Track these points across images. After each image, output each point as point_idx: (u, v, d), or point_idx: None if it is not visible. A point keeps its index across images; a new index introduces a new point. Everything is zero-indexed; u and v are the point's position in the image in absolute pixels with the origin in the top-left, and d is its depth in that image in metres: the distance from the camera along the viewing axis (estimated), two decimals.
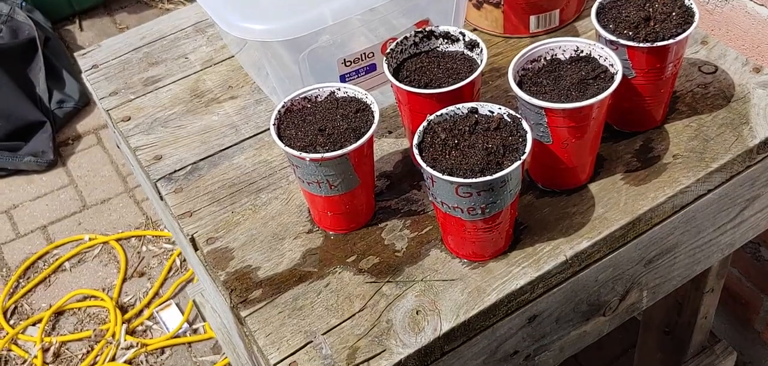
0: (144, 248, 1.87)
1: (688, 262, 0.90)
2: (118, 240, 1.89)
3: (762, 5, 0.99)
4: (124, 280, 1.81)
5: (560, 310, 0.80)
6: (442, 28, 0.83)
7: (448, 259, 0.78)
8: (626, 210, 0.79)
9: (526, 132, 0.72)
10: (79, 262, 1.86)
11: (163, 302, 1.75)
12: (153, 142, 0.96)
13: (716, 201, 0.85)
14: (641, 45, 0.76)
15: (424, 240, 0.80)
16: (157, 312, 1.72)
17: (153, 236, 1.89)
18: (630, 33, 0.78)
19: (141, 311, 1.74)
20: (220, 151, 0.93)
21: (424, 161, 0.71)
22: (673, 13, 0.79)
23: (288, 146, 0.74)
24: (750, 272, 1.24)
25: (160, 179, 0.91)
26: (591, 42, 0.79)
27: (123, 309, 1.74)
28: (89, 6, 2.58)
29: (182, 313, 1.71)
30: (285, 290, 0.77)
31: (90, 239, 1.90)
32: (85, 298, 1.78)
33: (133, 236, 1.90)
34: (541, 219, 0.80)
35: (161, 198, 0.91)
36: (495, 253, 0.77)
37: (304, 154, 0.73)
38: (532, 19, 0.99)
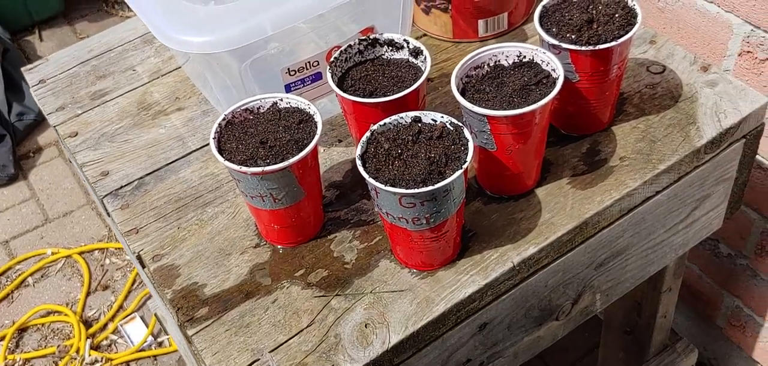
0: (107, 261, 1.85)
1: (640, 263, 0.89)
2: (81, 253, 1.86)
3: (712, 2, 0.99)
4: (88, 293, 1.78)
5: (511, 316, 0.80)
6: (387, 36, 0.82)
7: (398, 269, 0.77)
8: (573, 214, 0.78)
9: (467, 140, 0.71)
10: (42, 276, 1.83)
11: (128, 315, 1.72)
12: (100, 158, 0.94)
13: (666, 202, 0.85)
14: (584, 48, 0.76)
15: (374, 251, 0.79)
16: (121, 326, 1.70)
17: (116, 249, 1.87)
18: (573, 36, 0.78)
19: (105, 325, 1.71)
20: (167, 164, 0.91)
21: (368, 172, 0.70)
22: (616, 15, 0.79)
23: (229, 160, 0.73)
24: (709, 269, 1.25)
25: (106, 196, 0.90)
26: (533, 47, 0.78)
27: (87, 323, 1.72)
28: (49, 16, 2.54)
29: (147, 326, 1.69)
30: (232, 307, 0.76)
31: (53, 253, 1.87)
32: (48, 314, 1.75)
33: (96, 249, 1.87)
34: (488, 226, 0.79)
35: (108, 214, 0.90)
36: (444, 262, 0.76)
37: (244, 168, 0.71)
38: (481, 23, 0.98)
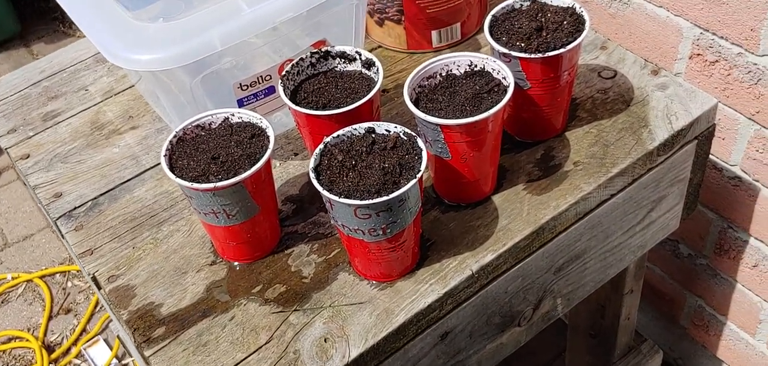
0: (69, 284, 1.82)
1: (599, 266, 0.90)
2: (42, 277, 1.83)
3: (661, 7, 1.01)
4: (50, 318, 1.75)
5: (473, 324, 0.80)
6: (339, 48, 0.82)
7: (356, 281, 0.76)
8: (529, 220, 0.79)
9: (421, 150, 0.71)
10: (2, 302, 1.79)
11: (91, 339, 1.69)
12: (53, 179, 0.92)
13: (621, 205, 0.85)
14: (533, 56, 0.76)
15: (332, 263, 0.78)
16: (84, 349, 1.67)
17: (78, 271, 1.84)
18: (522, 44, 0.78)
19: (68, 349, 1.68)
20: (121, 184, 0.90)
21: (322, 185, 0.70)
22: (565, 22, 0.79)
23: (180, 177, 0.72)
24: (671, 270, 1.26)
25: (60, 217, 0.88)
26: (484, 56, 0.78)
27: (49, 348, 1.68)
28: (4, 38, 2.50)
29: (110, 348, 1.66)
30: (189, 326, 0.75)
31: (13, 278, 1.83)
32: (9, 340, 1.71)
33: (57, 272, 1.84)
34: (447, 234, 0.79)
35: (62, 236, 0.88)
36: (403, 272, 0.76)
37: (196, 185, 0.71)
38: (434, 34, 0.98)
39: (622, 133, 0.86)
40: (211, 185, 0.70)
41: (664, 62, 1.05)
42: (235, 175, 0.71)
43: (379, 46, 1.04)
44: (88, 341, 1.68)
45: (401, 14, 0.98)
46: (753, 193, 1.03)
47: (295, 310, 0.75)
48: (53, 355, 1.66)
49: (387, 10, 0.98)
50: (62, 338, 1.70)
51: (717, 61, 0.98)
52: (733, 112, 0.99)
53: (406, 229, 0.72)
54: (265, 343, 0.72)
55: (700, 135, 0.89)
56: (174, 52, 0.72)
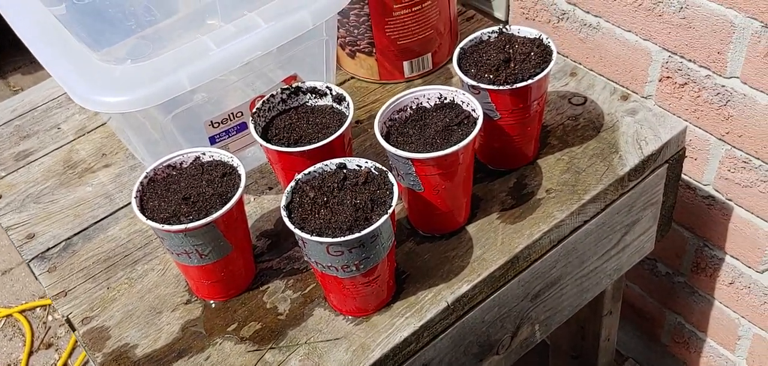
0: (50, 317, 1.80)
1: (576, 291, 0.90)
2: (22, 311, 1.80)
3: (630, 31, 1.02)
4: (31, 353, 1.73)
5: (450, 355, 0.79)
6: (309, 84, 0.82)
7: (332, 317, 0.76)
8: (504, 249, 0.79)
9: (392, 184, 0.71)
10: None
11: None
12: (25, 220, 0.92)
13: (595, 231, 0.86)
14: (502, 87, 0.77)
15: (308, 299, 0.78)
16: None
17: None
18: (491, 76, 0.78)
19: None
20: (94, 223, 0.90)
21: (293, 223, 0.70)
22: (532, 53, 0.80)
23: (151, 218, 0.71)
24: (650, 288, 1.27)
25: (33, 259, 0.87)
26: (453, 89, 0.79)
27: None
28: None
29: None
30: None
31: None
32: None
33: (37, 306, 1.82)
34: (422, 266, 0.79)
35: (36, 278, 0.87)
36: (378, 306, 0.76)
37: (167, 227, 0.70)
38: (406, 64, 0.99)
39: (593, 159, 0.87)
40: (182, 226, 0.70)
41: (634, 85, 1.06)
42: (207, 215, 0.71)
43: (352, 78, 1.04)
44: None
45: (372, 46, 0.98)
46: (727, 212, 1.04)
47: (270, 348, 0.74)
48: None
49: (358, 42, 0.99)
50: None
51: (686, 83, 0.99)
52: (703, 133, 1.00)
53: (379, 264, 0.72)
54: None
55: (671, 158, 0.90)
56: (142, 93, 0.72)
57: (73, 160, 0.99)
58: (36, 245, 0.88)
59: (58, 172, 0.97)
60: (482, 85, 0.77)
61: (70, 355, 1.70)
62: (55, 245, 0.88)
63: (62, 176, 0.96)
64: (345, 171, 0.73)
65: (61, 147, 1.01)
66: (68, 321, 0.81)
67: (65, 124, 1.04)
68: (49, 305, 1.82)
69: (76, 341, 1.73)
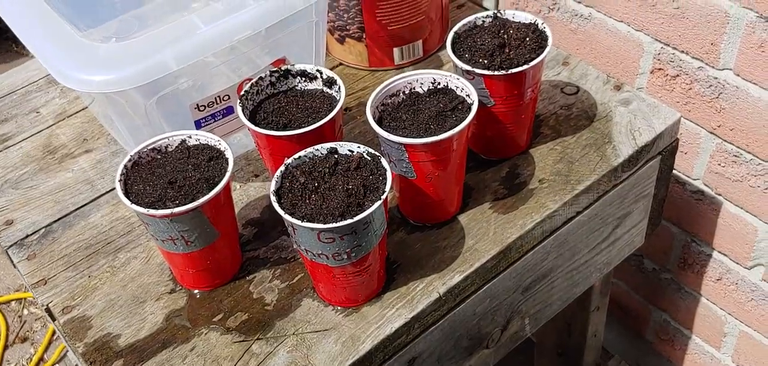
0: (25, 311, 1.76)
1: (566, 285, 0.89)
2: None
3: (622, 21, 1.01)
4: (6, 347, 1.69)
5: (441, 348, 0.78)
6: (299, 67, 0.80)
7: (321, 307, 0.74)
8: (496, 239, 0.77)
9: (385, 170, 0.69)
10: None
11: None
12: (3, 206, 0.89)
13: (587, 222, 0.85)
14: (497, 73, 0.76)
15: (296, 289, 0.76)
16: None
17: (34, 298, 1.78)
18: (485, 61, 0.77)
19: None
20: (75, 210, 0.87)
21: (283, 208, 0.68)
22: (527, 38, 0.79)
23: (136, 203, 0.69)
24: (636, 284, 1.26)
25: (11, 246, 0.85)
26: (448, 74, 0.77)
27: None
28: None
29: None
30: (148, 358, 0.72)
31: None
32: None
33: (13, 299, 1.78)
34: (413, 256, 0.77)
35: (15, 266, 0.85)
36: (368, 297, 0.74)
37: (152, 211, 0.68)
38: (396, 51, 0.97)
39: (586, 149, 0.86)
40: (168, 211, 0.67)
41: (625, 76, 1.05)
42: (193, 200, 0.69)
43: (340, 64, 1.02)
44: None
45: (362, 32, 0.96)
46: (716, 207, 1.04)
47: (257, 338, 0.72)
48: None
49: (348, 27, 0.97)
50: None
51: (678, 75, 0.98)
52: (694, 126, 1.00)
53: (371, 253, 0.70)
54: None
55: (664, 150, 0.89)
56: (127, 72, 0.70)
57: (53, 144, 0.96)
58: (14, 232, 0.86)
59: (38, 157, 0.94)
60: (477, 70, 0.76)
61: (46, 349, 1.67)
62: (35, 232, 0.85)
63: (41, 161, 0.94)
64: (336, 156, 0.72)
65: (40, 131, 0.98)
66: (48, 310, 0.79)
67: (45, 109, 1.01)
68: (25, 299, 1.78)
69: (54, 333, 1.69)
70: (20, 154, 0.95)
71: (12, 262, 0.85)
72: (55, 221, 0.86)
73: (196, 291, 0.77)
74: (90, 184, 0.90)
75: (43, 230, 0.85)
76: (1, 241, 0.85)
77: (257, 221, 0.83)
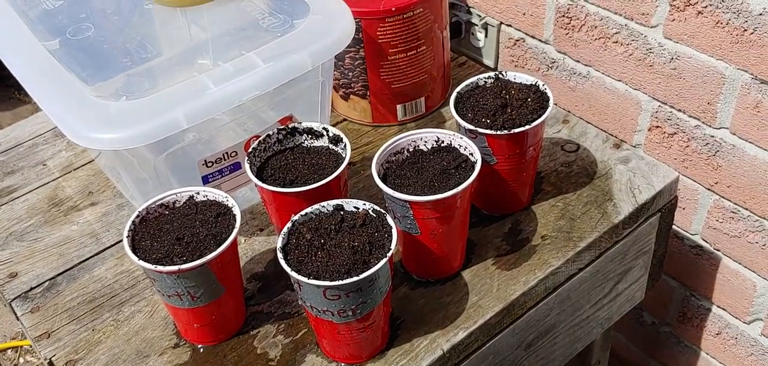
0: (21, 360, 1.74)
1: (568, 340, 0.90)
2: None
3: (620, 81, 1.03)
4: None
5: None
6: (306, 124, 0.81)
7: (325, 364, 0.74)
8: (500, 296, 0.78)
9: (391, 227, 0.70)
10: None
11: None
12: (8, 258, 0.89)
13: (589, 278, 0.86)
14: (499, 132, 0.77)
15: (300, 345, 0.76)
16: None
17: (30, 346, 1.77)
18: (488, 121, 0.79)
19: None
20: (80, 263, 0.87)
21: (290, 265, 0.68)
22: (529, 99, 0.80)
23: (143, 259, 0.70)
24: (635, 337, 1.26)
25: (15, 299, 0.85)
26: (451, 133, 0.79)
27: None
28: None
29: None
30: None
31: None
32: None
33: (9, 348, 1.77)
34: (416, 312, 0.78)
35: (18, 319, 0.85)
36: (372, 353, 0.74)
37: (160, 267, 0.69)
38: (399, 107, 0.99)
39: (587, 206, 0.87)
40: (175, 268, 0.68)
41: (623, 134, 1.07)
42: (201, 256, 0.70)
43: (344, 120, 1.04)
44: None
45: (366, 89, 0.98)
46: (714, 262, 1.05)
47: None
48: None
49: (352, 84, 0.99)
50: None
51: (675, 133, 1.00)
52: (692, 183, 1.01)
53: (376, 309, 0.70)
54: None
55: (663, 207, 0.90)
56: (138, 131, 0.71)
57: (59, 197, 0.97)
58: (18, 284, 0.86)
59: (43, 209, 0.95)
60: (480, 130, 0.77)
61: None
62: (39, 285, 0.86)
63: (47, 214, 0.94)
64: (342, 212, 0.72)
65: (46, 184, 0.99)
66: (51, 364, 0.78)
67: (51, 161, 1.02)
68: (21, 347, 1.76)
69: None
70: (26, 207, 0.96)
71: (15, 315, 0.85)
72: (60, 274, 0.87)
73: (199, 346, 0.77)
74: (95, 238, 0.90)
75: (47, 283, 0.86)
76: (5, 293, 0.85)
77: (262, 275, 0.84)
